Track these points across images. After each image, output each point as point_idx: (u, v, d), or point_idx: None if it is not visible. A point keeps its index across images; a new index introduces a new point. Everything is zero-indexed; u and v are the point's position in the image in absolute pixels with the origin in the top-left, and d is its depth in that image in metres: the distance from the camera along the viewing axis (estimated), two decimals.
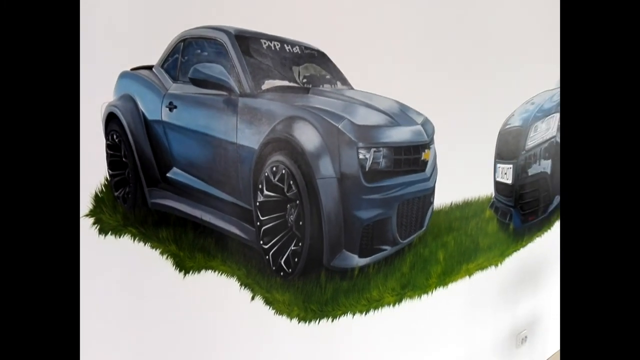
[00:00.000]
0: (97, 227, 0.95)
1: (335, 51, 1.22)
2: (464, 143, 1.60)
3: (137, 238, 1.01)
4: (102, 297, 0.98)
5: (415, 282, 1.58)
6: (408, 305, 1.58)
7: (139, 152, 1.04)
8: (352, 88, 1.29)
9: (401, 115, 1.43)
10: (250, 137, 1.12)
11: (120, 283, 1.00)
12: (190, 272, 1.09)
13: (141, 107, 0.99)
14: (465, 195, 1.66)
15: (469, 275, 1.76)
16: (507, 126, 1.77)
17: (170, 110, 1.01)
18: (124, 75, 0.93)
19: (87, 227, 0.95)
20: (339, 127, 1.25)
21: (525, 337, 2.12)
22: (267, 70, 1.11)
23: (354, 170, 1.31)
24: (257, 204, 1.16)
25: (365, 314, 1.47)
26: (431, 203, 1.59)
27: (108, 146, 0.96)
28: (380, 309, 1.51)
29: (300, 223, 1.25)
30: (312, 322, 1.34)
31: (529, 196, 1.94)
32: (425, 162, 1.52)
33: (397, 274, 1.54)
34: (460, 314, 1.76)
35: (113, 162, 0.99)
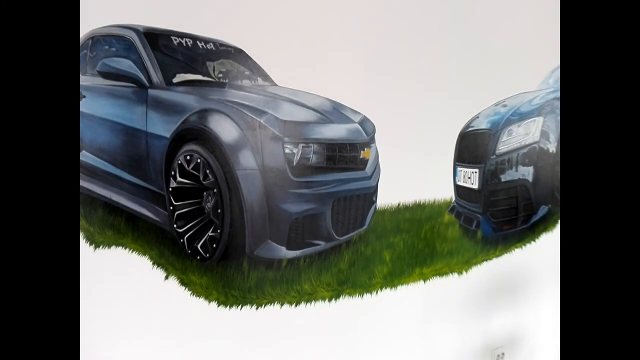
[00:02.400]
0: None
1: (256, 48, 1.29)
2: (414, 143, 1.60)
3: None
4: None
5: (355, 280, 1.61)
6: (347, 303, 1.60)
7: None
8: (274, 84, 1.35)
9: (334, 113, 1.47)
10: (160, 127, 1.22)
11: None
12: (101, 247, 1.22)
13: None
14: (416, 197, 1.66)
15: (424, 280, 1.75)
16: (470, 129, 1.73)
17: (82, 97, 1.14)
18: None
19: None
20: (261, 121, 1.33)
21: (502, 353, 2.04)
22: (179, 64, 1.21)
23: (280, 164, 1.37)
24: (170, 189, 1.27)
25: (296, 305, 1.52)
26: (373, 202, 1.60)
27: None
28: (313, 302, 1.55)
29: (219, 211, 1.33)
30: (234, 307, 1.42)
31: (502, 203, 1.87)
32: (365, 161, 1.55)
33: (334, 269, 1.57)
34: (415, 320, 1.74)
35: None
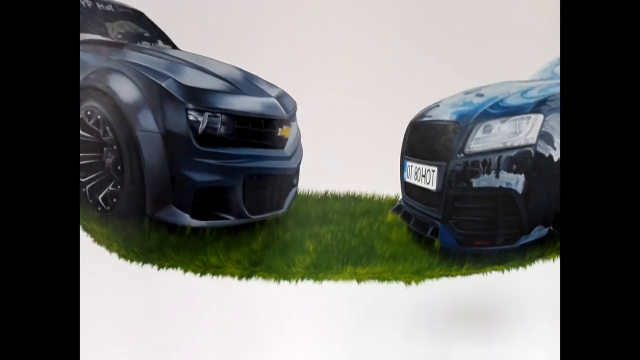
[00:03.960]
0: None
1: (157, 10, 1.32)
2: (350, 127, 1.44)
3: None
4: None
5: (270, 264, 1.52)
6: (261, 285, 1.53)
7: None
8: (176, 48, 1.36)
9: (245, 84, 1.41)
10: None
11: None
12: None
13: None
14: (349, 187, 1.49)
15: (358, 281, 1.56)
16: (426, 118, 1.49)
17: None
18: None
19: None
20: (163, 85, 1.35)
21: None
22: (81, 24, 1.30)
23: (183, 131, 1.38)
24: None
25: (201, 275, 1.51)
26: (293, 185, 1.50)
27: None
28: (221, 276, 1.52)
29: (119, 167, 1.40)
30: (134, 263, 1.47)
31: (473, 213, 1.57)
32: (283, 139, 1.46)
33: (245, 248, 1.52)
34: (342, 321, 1.57)
35: None
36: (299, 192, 1.51)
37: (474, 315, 1.70)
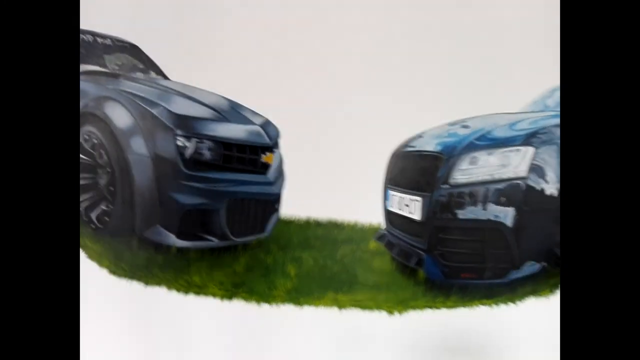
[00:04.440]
0: None
1: (151, 44, 1.41)
2: (332, 155, 1.46)
3: None
4: None
5: (252, 286, 1.54)
6: (241, 308, 1.55)
7: None
8: (167, 79, 1.44)
9: (231, 112, 1.47)
10: None
11: None
12: None
13: None
14: (331, 214, 1.50)
15: (339, 308, 1.55)
16: (410, 148, 1.48)
17: None
18: None
19: None
20: (154, 112, 1.44)
21: None
22: (81, 56, 1.42)
23: (172, 155, 1.46)
24: None
25: (186, 294, 1.55)
26: (275, 210, 1.53)
27: None
28: (204, 296, 1.55)
29: (111, 188, 1.48)
30: (123, 279, 1.54)
31: (459, 245, 1.53)
32: (266, 165, 1.51)
33: (227, 269, 1.55)
34: (324, 348, 1.56)
35: None
36: (281, 218, 1.54)
37: (460, 349, 1.65)
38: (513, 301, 1.62)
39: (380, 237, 1.56)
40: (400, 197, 1.52)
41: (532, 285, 1.61)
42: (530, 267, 1.60)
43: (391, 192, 1.53)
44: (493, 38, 1.48)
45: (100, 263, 1.53)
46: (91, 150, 1.46)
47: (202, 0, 1.38)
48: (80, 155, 1.46)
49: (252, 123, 1.48)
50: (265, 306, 1.57)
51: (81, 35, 1.42)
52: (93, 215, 1.50)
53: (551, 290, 1.63)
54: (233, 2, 1.39)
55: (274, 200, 1.52)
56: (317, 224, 1.56)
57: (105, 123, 1.42)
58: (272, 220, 1.53)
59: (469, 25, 1.42)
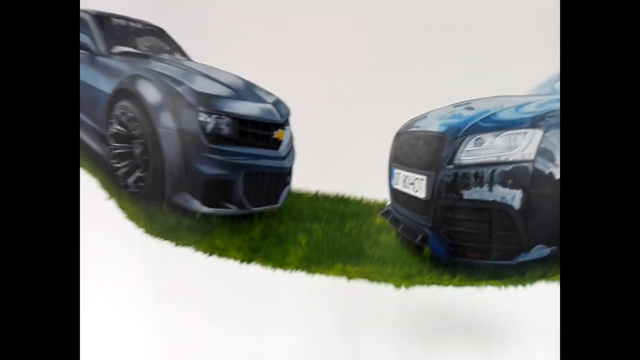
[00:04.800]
0: None
1: (175, 28, 1.54)
2: (339, 133, 1.51)
3: None
4: None
5: (268, 253, 1.66)
6: (258, 271, 1.67)
7: None
8: (190, 59, 1.56)
9: (246, 91, 1.57)
10: (104, 84, 1.63)
11: None
12: None
13: None
14: (338, 189, 1.56)
15: (348, 278, 1.63)
16: (414, 128, 1.49)
17: None
18: None
19: None
20: (179, 90, 1.58)
21: None
22: (116, 39, 1.58)
23: (195, 130, 1.60)
24: (109, 133, 1.66)
25: (209, 255, 1.70)
26: (287, 183, 1.62)
27: None
28: (225, 258, 1.70)
29: (144, 157, 1.66)
30: (157, 238, 1.73)
31: (465, 225, 1.52)
32: (278, 141, 1.60)
33: (245, 235, 1.68)
34: (332, 314, 1.64)
35: None
36: (292, 190, 1.64)
37: (466, 327, 1.66)
38: (523, 284, 1.60)
39: (386, 213, 1.61)
40: (405, 175, 1.55)
41: (542, 269, 1.58)
42: (540, 251, 1.57)
43: (396, 171, 1.56)
44: (500, 23, 1.44)
45: (137, 223, 1.73)
46: (127, 123, 1.64)
47: None
48: (117, 127, 1.65)
49: (264, 101, 1.58)
50: (279, 271, 1.69)
51: (115, 20, 1.59)
52: (130, 181, 1.70)
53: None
54: None
55: (286, 174, 1.62)
56: (325, 198, 1.63)
57: (137, 99, 1.59)
58: (284, 193, 1.63)
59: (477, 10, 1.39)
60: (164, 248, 1.72)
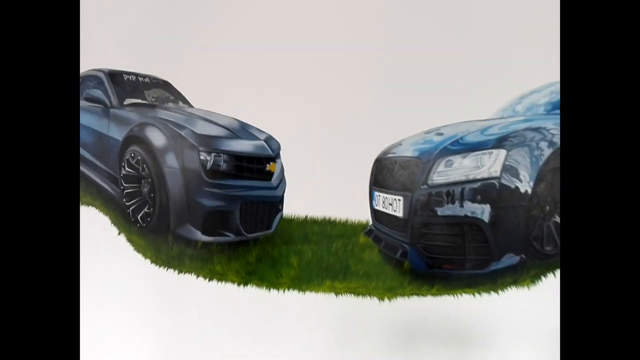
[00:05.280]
0: None
1: (179, 80, 1.78)
2: (325, 162, 1.71)
3: None
4: None
5: (262, 275, 1.81)
6: (255, 292, 1.81)
7: None
8: (192, 106, 1.80)
9: (241, 130, 1.79)
10: (116, 132, 1.84)
11: None
12: (82, 205, 1.92)
13: None
14: (325, 213, 1.74)
15: (336, 294, 1.77)
16: (390, 155, 1.68)
17: None
18: None
19: None
20: (182, 134, 1.80)
21: None
22: (127, 92, 1.82)
23: (196, 167, 1.80)
24: (121, 175, 1.86)
25: (209, 280, 1.85)
26: (279, 210, 1.80)
27: None
28: (224, 282, 1.85)
29: (152, 195, 1.84)
30: (162, 268, 1.88)
31: (440, 239, 1.69)
32: (270, 173, 1.80)
33: (242, 260, 1.84)
34: (324, 329, 1.77)
35: None
36: (283, 216, 1.82)
37: (445, 333, 1.78)
38: (495, 290, 1.74)
39: (368, 232, 1.77)
40: (385, 197, 1.74)
41: (513, 276, 1.73)
42: (510, 259, 1.72)
43: (376, 193, 1.75)
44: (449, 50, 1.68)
45: (145, 255, 1.90)
46: (136, 165, 1.84)
47: (215, 44, 1.74)
48: (127, 169, 1.85)
49: (257, 139, 1.79)
50: (273, 292, 1.84)
51: (126, 76, 1.83)
52: (138, 216, 1.88)
53: (532, 280, 1.74)
54: (240, 44, 1.74)
55: (278, 202, 1.80)
56: (314, 221, 1.80)
57: (146, 143, 1.81)
58: (277, 219, 1.80)
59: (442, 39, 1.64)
60: (169, 276, 1.88)
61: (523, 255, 1.69)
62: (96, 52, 1.76)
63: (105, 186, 1.87)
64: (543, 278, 1.72)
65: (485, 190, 1.66)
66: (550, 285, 1.70)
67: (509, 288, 1.71)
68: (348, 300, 1.77)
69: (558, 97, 1.70)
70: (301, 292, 1.79)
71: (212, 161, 1.75)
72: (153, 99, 1.80)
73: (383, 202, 1.72)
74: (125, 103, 1.81)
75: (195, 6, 1.73)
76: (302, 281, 1.78)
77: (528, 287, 1.71)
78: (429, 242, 1.70)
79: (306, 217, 1.77)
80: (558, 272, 1.72)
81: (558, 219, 1.70)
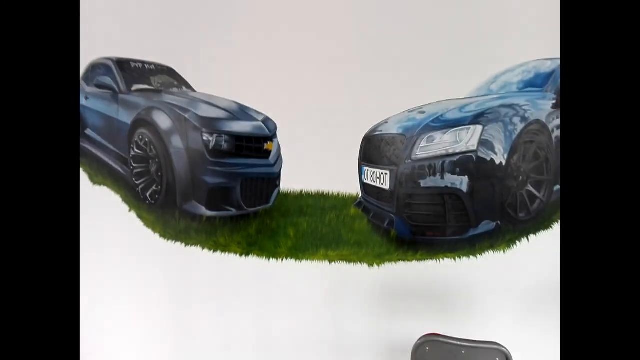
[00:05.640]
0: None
1: (181, 66, 1.93)
2: (317, 141, 1.86)
3: None
4: None
5: (262, 245, 1.97)
6: (255, 261, 1.96)
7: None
8: (194, 91, 1.95)
9: (240, 112, 1.94)
10: (125, 116, 1.99)
11: None
12: (95, 184, 2.07)
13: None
14: (319, 187, 1.90)
15: (329, 261, 1.93)
16: (377, 132, 1.84)
17: (86, 99, 2.03)
18: None
19: None
20: (186, 116, 1.95)
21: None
22: (134, 79, 1.97)
23: (199, 147, 1.95)
24: (130, 156, 2.01)
25: (214, 251, 2.00)
26: (277, 185, 1.96)
27: None
28: (227, 253, 2.01)
29: (159, 174, 2.00)
30: (170, 241, 2.04)
31: (423, 209, 1.84)
32: (268, 152, 1.95)
33: (243, 232, 2.00)
34: (319, 293, 1.94)
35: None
36: (281, 191, 1.98)
37: (428, 293, 1.94)
38: (474, 255, 1.90)
39: (358, 204, 1.93)
40: (373, 171, 1.89)
41: (490, 241, 1.89)
42: (486, 225, 1.88)
43: (365, 168, 1.90)
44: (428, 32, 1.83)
45: (154, 229, 2.06)
46: (144, 147, 1.99)
47: (218, 35, 1.89)
48: (136, 150, 2.00)
49: (255, 120, 1.94)
50: (272, 260, 2.01)
51: (133, 64, 1.97)
52: (147, 194, 2.04)
53: (507, 245, 1.90)
54: (239, 33, 1.89)
55: (275, 178, 1.95)
56: (308, 195, 1.95)
57: (153, 126, 1.95)
58: (275, 194, 1.96)
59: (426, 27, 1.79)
60: (177, 248, 2.04)
61: (499, 222, 1.85)
62: (99, 43, 1.92)
63: (116, 167, 2.02)
64: (518, 243, 1.88)
65: (463, 163, 1.81)
66: (524, 249, 1.87)
67: (486, 252, 1.87)
68: (341, 267, 1.94)
69: (530, 75, 1.85)
70: (298, 261, 1.95)
71: (214, 141, 1.90)
72: (159, 85, 1.94)
73: (371, 176, 1.87)
74: (132, 89, 1.95)
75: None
76: (299, 250, 1.94)
77: (504, 251, 1.87)
78: (413, 212, 1.86)
79: (301, 191, 1.92)
80: (532, 237, 1.88)
81: (530, 188, 1.85)
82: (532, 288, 1.86)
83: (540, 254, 1.83)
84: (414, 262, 1.90)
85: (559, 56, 1.81)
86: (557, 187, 1.88)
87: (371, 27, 1.86)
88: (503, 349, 1.29)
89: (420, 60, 1.82)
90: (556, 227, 1.87)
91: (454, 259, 1.88)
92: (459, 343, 1.30)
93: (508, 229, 1.86)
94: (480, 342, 1.27)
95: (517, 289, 1.88)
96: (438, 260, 1.89)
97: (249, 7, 1.86)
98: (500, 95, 1.82)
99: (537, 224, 1.88)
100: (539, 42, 1.79)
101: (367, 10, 1.86)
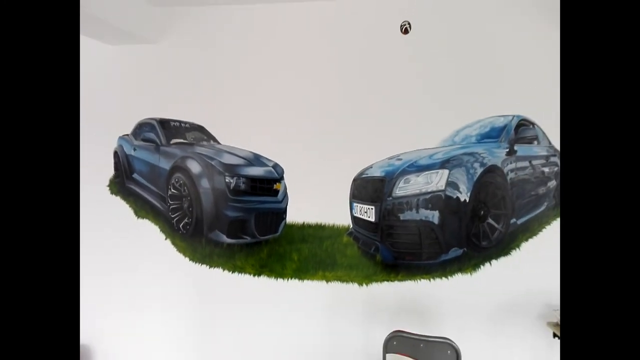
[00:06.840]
0: (109, 189, 2.56)
1: (210, 125, 2.42)
2: (317, 182, 2.30)
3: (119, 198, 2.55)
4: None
5: (272, 267, 2.37)
6: (266, 280, 2.35)
7: (125, 167, 2.60)
8: (219, 143, 2.43)
9: (255, 159, 2.40)
10: (165, 163, 2.47)
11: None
12: (138, 217, 2.53)
13: (125, 149, 2.56)
14: (318, 219, 2.31)
15: (326, 281, 2.31)
16: (364, 175, 2.25)
17: (134, 150, 2.53)
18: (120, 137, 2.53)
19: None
20: (212, 163, 2.42)
21: None
22: (173, 134, 2.47)
23: (222, 188, 2.41)
24: (168, 195, 2.48)
25: (232, 272, 2.42)
26: (283, 218, 2.38)
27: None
28: (243, 273, 2.41)
29: (190, 209, 2.46)
30: (197, 264, 2.46)
31: (402, 238, 2.22)
32: (277, 191, 2.39)
33: (256, 256, 2.40)
34: (319, 308, 2.30)
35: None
36: (287, 223, 2.40)
37: (409, 308, 2.28)
38: (445, 276, 2.26)
39: (350, 234, 2.32)
40: (361, 206, 2.31)
41: (458, 265, 2.25)
42: (455, 252, 2.25)
43: (355, 204, 2.32)
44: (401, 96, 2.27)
45: (185, 254, 2.49)
46: (179, 187, 2.47)
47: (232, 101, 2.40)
48: (172, 190, 2.47)
49: (267, 165, 2.39)
50: (280, 280, 2.40)
51: (172, 122, 2.48)
52: (180, 225, 2.49)
53: (473, 268, 2.25)
54: (255, 100, 2.39)
55: (282, 212, 2.38)
56: (309, 226, 2.35)
57: (186, 171, 2.43)
58: (282, 225, 2.38)
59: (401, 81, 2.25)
60: (203, 270, 2.46)
61: (465, 249, 2.22)
62: (147, 107, 2.43)
63: (156, 203, 2.48)
64: (482, 266, 2.24)
65: (434, 200, 2.21)
66: (486, 272, 2.23)
67: (455, 274, 2.23)
68: (336, 286, 2.31)
69: (486, 129, 2.26)
70: (301, 280, 2.34)
71: (234, 183, 2.35)
72: (192, 139, 2.43)
73: (360, 211, 2.28)
74: (171, 142, 2.45)
75: (214, 68, 2.39)
76: (302, 272, 2.34)
77: (470, 273, 2.22)
78: (394, 240, 2.25)
79: (303, 223, 2.34)
80: (494, 262, 2.24)
81: (491, 220, 2.23)
82: (493, 305, 2.21)
83: (499, 277, 2.18)
84: (396, 282, 2.26)
85: (511, 114, 2.23)
86: (514, 220, 2.25)
87: (356, 95, 2.31)
88: (453, 343, 1.62)
89: (398, 119, 2.25)
90: (514, 253, 2.23)
91: (429, 279, 2.24)
92: (419, 338, 1.64)
93: (473, 255, 2.22)
94: (436, 337, 1.61)
95: (481, 306, 2.22)
96: (416, 281, 2.25)
97: (262, 81, 2.35)
98: (462, 145, 2.23)
99: (498, 251, 2.24)
100: (496, 100, 2.20)
101: (361, 73, 2.31)
